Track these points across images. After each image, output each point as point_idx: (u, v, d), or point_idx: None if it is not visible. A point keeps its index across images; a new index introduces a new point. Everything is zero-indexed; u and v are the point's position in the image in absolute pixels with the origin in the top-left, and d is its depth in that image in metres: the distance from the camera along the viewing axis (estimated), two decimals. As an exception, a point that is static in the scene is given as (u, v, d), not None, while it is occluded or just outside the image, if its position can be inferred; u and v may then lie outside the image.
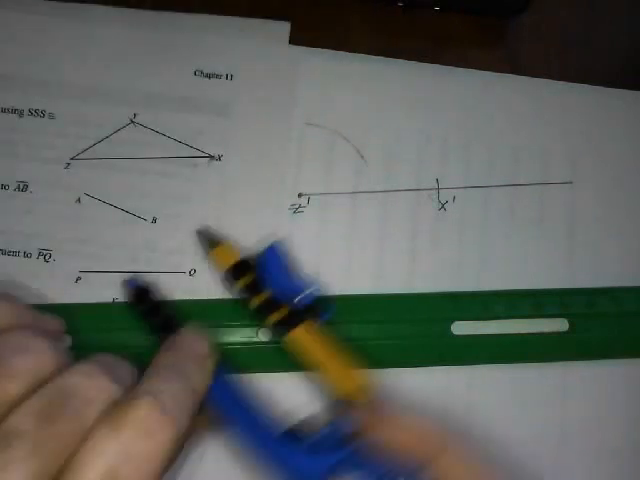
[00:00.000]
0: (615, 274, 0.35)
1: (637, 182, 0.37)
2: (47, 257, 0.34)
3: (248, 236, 0.34)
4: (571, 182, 0.36)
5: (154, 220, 0.34)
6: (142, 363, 0.32)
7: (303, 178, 0.35)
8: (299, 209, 0.35)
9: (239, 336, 0.33)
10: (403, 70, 0.37)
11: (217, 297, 0.33)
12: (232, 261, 0.29)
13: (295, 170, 0.35)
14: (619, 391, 0.34)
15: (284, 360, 0.33)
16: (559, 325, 0.34)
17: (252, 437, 0.25)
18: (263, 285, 0.28)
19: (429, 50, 0.38)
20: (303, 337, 0.27)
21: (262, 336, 0.33)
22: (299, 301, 0.27)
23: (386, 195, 0.35)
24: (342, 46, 0.37)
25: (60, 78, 0.36)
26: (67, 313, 0.33)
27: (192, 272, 0.34)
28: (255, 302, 0.28)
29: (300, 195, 0.35)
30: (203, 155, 0.35)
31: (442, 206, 0.36)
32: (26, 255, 0.34)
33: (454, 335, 0.33)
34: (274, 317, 0.27)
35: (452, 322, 0.33)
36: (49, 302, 0.33)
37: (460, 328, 0.33)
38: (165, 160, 0.35)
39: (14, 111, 0.35)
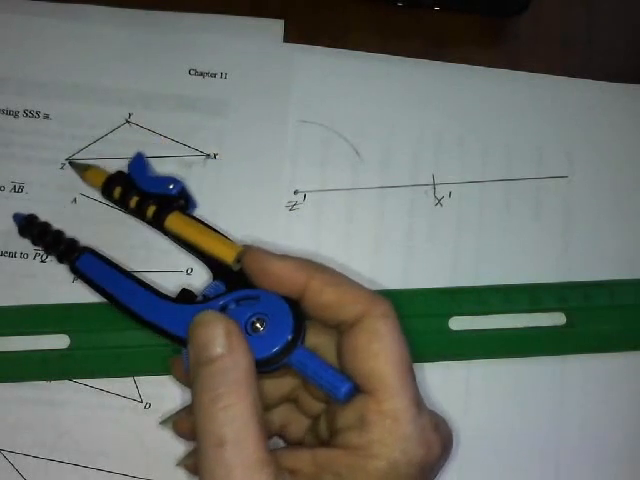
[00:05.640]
0: (611, 267, 0.35)
1: (632, 176, 0.37)
2: (44, 258, 0.34)
3: (245, 234, 0.34)
4: (567, 176, 0.36)
5: (150, 219, 0.34)
6: (141, 363, 0.32)
7: (299, 175, 0.35)
8: (295, 206, 0.35)
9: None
10: (398, 67, 0.37)
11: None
12: (104, 177, 0.32)
13: (291, 167, 0.35)
14: (617, 383, 0.34)
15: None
16: (557, 319, 0.34)
17: (145, 301, 0.29)
18: (136, 189, 0.31)
19: (429, 50, 0.38)
20: (180, 219, 0.30)
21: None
22: (168, 192, 0.31)
23: (382, 191, 0.35)
24: (342, 46, 0.37)
25: (55, 78, 0.36)
26: (64, 313, 0.33)
27: (189, 271, 0.34)
28: (133, 202, 0.31)
29: (296, 192, 0.35)
30: (199, 154, 0.35)
31: (438, 201, 0.36)
32: (23, 256, 0.34)
33: (452, 330, 0.33)
34: (151, 209, 0.31)
35: (450, 317, 0.33)
36: (47, 303, 0.33)
37: (458, 323, 0.34)
38: (161, 159, 0.35)
39: (9, 112, 0.35)
